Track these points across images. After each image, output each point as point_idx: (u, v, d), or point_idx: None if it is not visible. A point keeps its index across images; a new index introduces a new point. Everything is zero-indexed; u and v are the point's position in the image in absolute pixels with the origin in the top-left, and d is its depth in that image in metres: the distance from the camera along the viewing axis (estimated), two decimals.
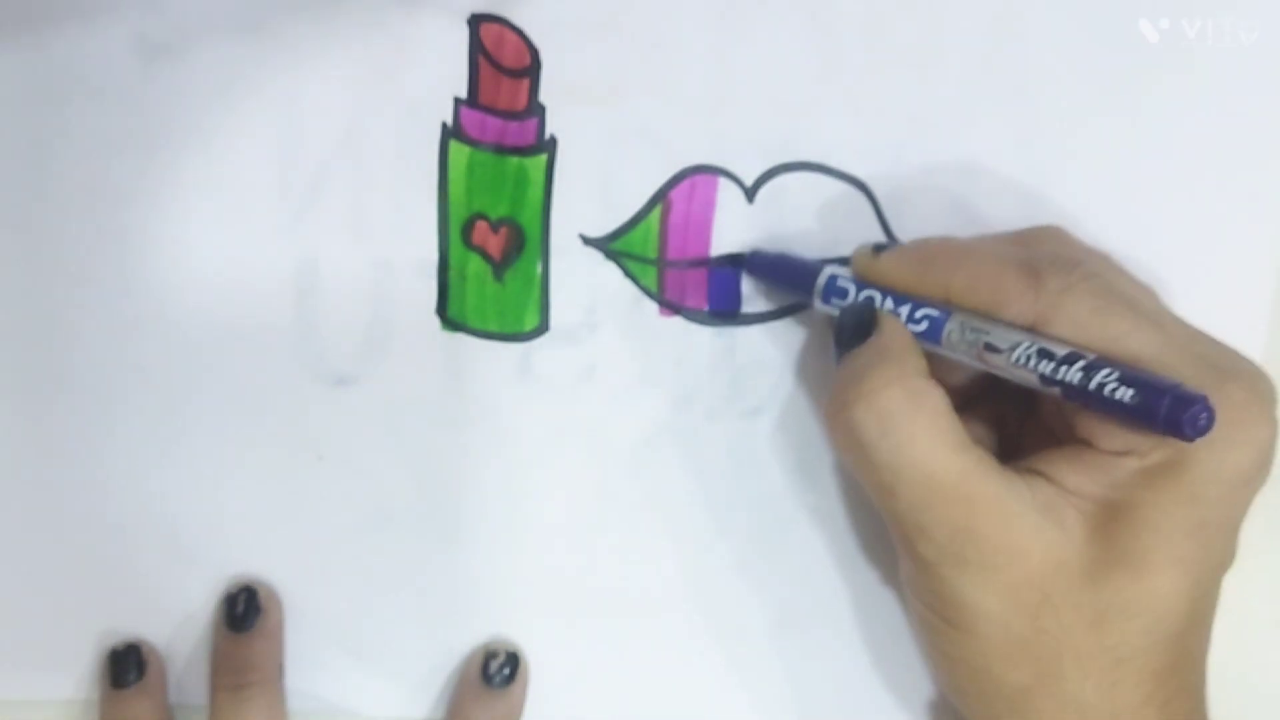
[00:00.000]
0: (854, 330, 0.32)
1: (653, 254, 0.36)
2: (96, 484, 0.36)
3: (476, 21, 0.34)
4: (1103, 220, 0.36)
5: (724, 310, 0.36)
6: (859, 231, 0.36)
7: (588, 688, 0.38)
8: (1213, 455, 0.30)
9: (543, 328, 0.36)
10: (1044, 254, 0.32)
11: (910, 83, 0.35)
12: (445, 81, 0.35)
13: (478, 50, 0.35)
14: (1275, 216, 0.36)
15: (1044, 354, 0.30)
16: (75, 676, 0.37)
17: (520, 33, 0.34)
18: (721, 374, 0.37)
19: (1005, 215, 0.36)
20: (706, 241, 0.36)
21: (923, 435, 0.30)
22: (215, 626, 0.37)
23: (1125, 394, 0.29)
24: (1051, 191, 0.36)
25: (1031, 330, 0.30)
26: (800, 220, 0.36)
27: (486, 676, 0.37)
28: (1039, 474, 0.31)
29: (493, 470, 0.37)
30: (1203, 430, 0.28)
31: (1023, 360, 0.30)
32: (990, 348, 0.30)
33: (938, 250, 0.32)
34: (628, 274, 0.36)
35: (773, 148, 0.36)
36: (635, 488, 0.37)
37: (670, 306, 0.36)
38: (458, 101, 0.35)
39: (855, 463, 0.31)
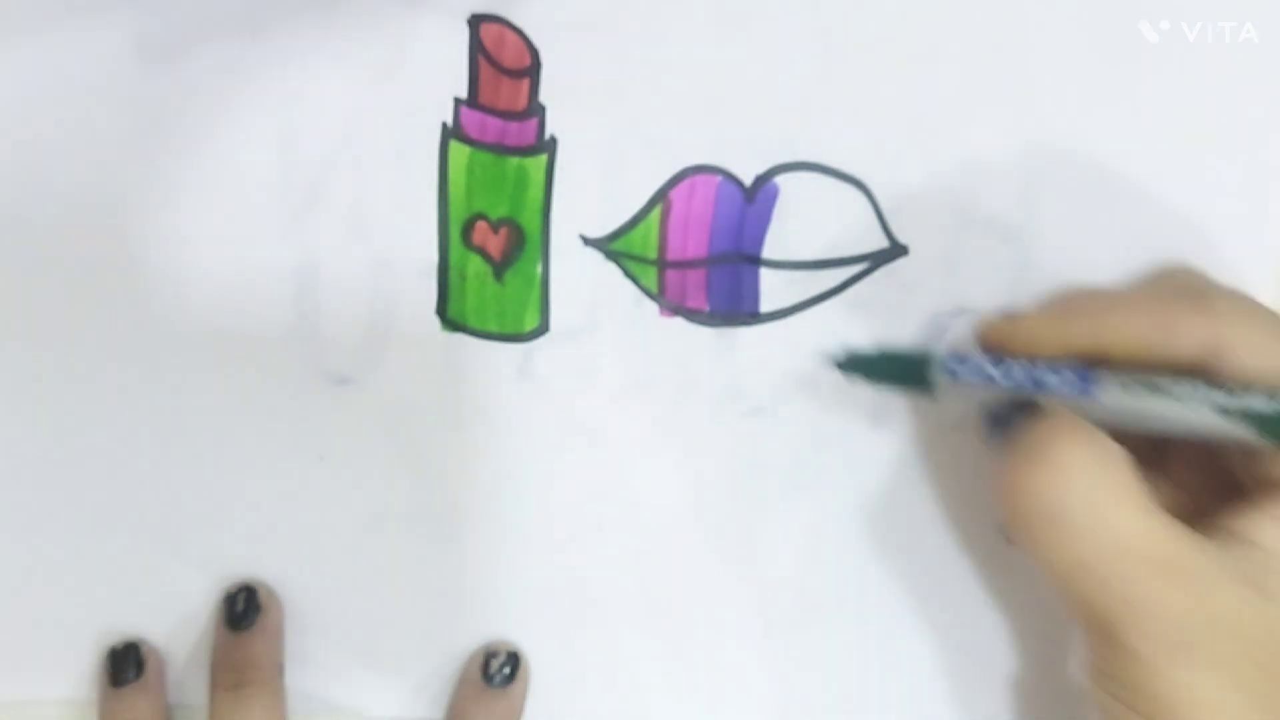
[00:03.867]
0: (1011, 412, 0.29)
1: (653, 254, 0.36)
2: (96, 484, 0.36)
3: (476, 21, 0.34)
4: (1102, 221, 0.36)
5: (724, 310, 0.36)
6: (859, 231, 0.36)
7: (588, 688, 0.38)
8: None
9: (543, 328, 0.36)
10: (1197, 283, 0.29)
11: (910, 83, 0.35)
12: (445, 81, 0.35)
13: (478, 50, 0.35)
14: (1275, 217, 0.36)
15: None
16: (75, 676, 0.37)
17: (520, 33, 0.34)
18: (722, 374, 0.37)
19: (1005, 215, 0.36)
20: (706, 241, 0.36)
21: (1122, 502, 0.27)
22: (215, 626, 0.37)
23: None
24: (1051, 192, 0.36)
25: (1201, 369, 0.28)
26: (800, 220, 0.36)
27: (487, 676, 0.37)
28: (1235, 535, 0.28)
29: (493, 470, 0.37)
30: None
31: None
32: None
33: (1085, 299, 0.30)
34: (628, 274, 0.36)
35: (773, 148, 0.36)
36: (635, 488, 0.37)
37: (670, 307, 0.36)
38: (458, 101, 0.35)
39: (1044, 542, 0.27)
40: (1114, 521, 0.27)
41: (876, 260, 0.36)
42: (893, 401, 0.37)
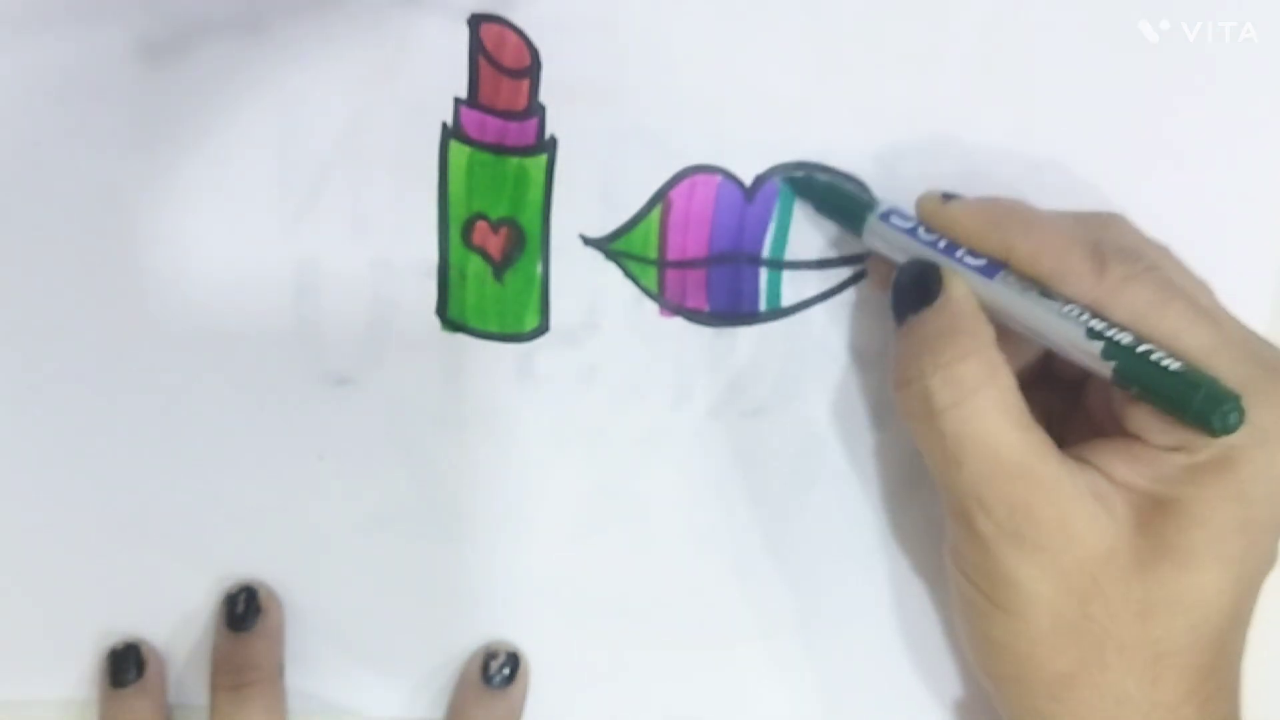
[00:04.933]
0: (915, 288, 0.32)
1: (653, 254, 0.36)
2: (96, 484, 0.36)
3: (476, 21, 0.34)
4: None
5: (724, 310, 0.36)
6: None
7: (588, 688, 0.38)
8: (1263, 454, 0.30)
9: (543, 328, 0.36)
10: (1109, 240, 0.32)
11: (910, 83, 0.35)
12: (445, 81, 0.35)
13: (478, 50, 0.35)
14: (1275, 217, 0.37)
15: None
16: (75, 676, 0.37)
17: (520, 33, 0.34)
18: (721, 374, 0.37)
19: None
20: (706, 241, 0.36)
21: (994, 408, 0.30)
22: (215, 626, 0.37)
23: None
24: (1051, 192, 0.36)
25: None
26: (800, 220, 0.36)
27: (486, 676, 0.37)
28: (1088, 463, 0.31)
29: (493, 470, 0.37)
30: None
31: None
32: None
33: (1009, 210, 0.32)
34: (628, 274, 0.36)
35: (773, 147, 0.36)
36: (635, 488, 0.37)
37: (670, 307, 0.36)
38: (458, 101, 0.35)
39: (922, 432, 0.32)
40: (985, 430, 0.30)
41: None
42: (893, 401, 0.37)
